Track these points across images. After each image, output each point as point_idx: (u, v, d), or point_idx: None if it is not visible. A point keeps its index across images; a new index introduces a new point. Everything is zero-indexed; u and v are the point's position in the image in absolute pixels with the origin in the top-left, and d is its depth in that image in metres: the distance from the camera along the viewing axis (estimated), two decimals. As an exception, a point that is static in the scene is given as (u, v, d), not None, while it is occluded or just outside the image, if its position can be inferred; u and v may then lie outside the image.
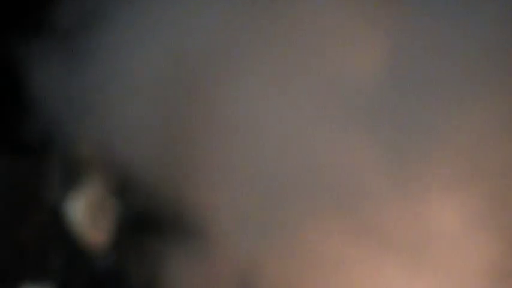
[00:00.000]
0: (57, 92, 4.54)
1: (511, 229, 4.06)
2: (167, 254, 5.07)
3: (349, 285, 4.36)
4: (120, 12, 4.20)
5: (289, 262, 4.50)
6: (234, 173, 4.40)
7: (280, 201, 4.38)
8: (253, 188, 4.38)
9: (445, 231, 4.25)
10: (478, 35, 3.85)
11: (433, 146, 4.20)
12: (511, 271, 3.86)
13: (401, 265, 4.39)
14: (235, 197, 4.43)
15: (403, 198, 4.31)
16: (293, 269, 4.45)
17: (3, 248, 6.88)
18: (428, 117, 4.09)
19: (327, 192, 4.26)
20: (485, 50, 3.79)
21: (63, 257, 5.43)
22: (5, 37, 4.56)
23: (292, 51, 4.29)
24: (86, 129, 4.42)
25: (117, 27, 4.26)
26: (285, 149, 4.33)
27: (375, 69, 4.28)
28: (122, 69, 4.33)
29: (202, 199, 4.50)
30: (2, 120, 6.31)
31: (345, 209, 4.29)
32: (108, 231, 4.74)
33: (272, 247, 4.40)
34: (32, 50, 4.45)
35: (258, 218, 4.45)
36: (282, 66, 4.28)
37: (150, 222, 5.66)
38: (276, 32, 4.23)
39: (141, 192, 4.68)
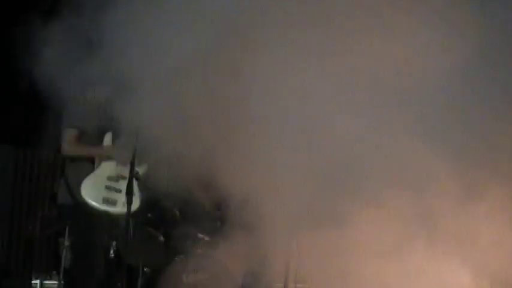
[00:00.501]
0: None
1: None
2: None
3: (397, 275, 4.32)
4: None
5: (334, 251, 4.46)
6: (280, 162, 4.36)
7: (325, 192, 4.32)
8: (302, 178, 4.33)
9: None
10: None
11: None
12: None
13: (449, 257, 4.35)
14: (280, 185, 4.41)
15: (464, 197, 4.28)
16: (339, 259, 4.40)
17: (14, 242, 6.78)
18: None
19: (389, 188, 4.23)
20: None
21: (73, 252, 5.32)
22: (26, 17, 4.46)
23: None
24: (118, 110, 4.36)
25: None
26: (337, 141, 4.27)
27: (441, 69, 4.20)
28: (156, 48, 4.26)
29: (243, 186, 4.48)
30: (10, 111, 6.19)
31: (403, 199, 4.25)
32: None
33: (315, 236, 4.36)
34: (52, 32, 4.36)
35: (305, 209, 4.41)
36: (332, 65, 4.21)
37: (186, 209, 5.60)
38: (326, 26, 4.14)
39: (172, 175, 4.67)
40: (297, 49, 4.20)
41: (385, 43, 4.10)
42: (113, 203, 4.93)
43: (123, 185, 4.78)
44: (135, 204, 4.86)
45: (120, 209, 4.89)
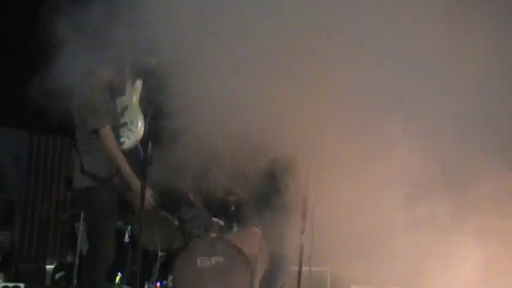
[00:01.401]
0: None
1: None
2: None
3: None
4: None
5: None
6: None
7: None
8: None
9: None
10: None
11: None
12: None
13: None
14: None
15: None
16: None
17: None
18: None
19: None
20: None
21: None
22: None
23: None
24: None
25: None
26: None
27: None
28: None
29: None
30: (25, 96, 6.19)
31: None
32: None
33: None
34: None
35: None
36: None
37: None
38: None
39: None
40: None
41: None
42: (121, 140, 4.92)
43: (127, 116, 4.87)
44: (141, 132, 4.87)
45: (127, 145, 4.89)
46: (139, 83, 4.96)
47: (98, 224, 4.94)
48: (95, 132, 4.84)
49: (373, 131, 4.49)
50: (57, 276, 6.83)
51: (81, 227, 5.96)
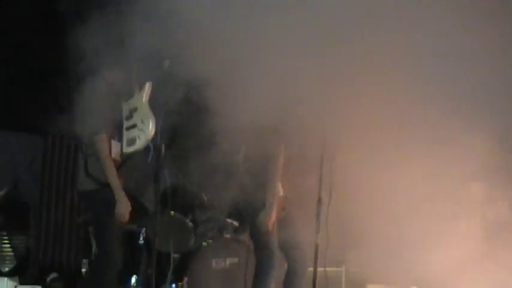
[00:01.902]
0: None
1: None
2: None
3: None
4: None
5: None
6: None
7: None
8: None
9: None
10: None
11: None
12: None
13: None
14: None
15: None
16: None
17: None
18: None
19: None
20: None
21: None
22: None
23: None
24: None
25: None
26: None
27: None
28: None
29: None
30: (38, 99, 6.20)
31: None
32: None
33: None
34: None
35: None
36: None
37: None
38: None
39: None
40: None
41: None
42: (133, 141, 4.83)
43: (136, 117, 4.81)
44: (152, 131, 4.83)
45: (138, 145, 4.85)
46: (148, 85, 4.94)
47: (104, 226, 4.90)
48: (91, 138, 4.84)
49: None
50: (49, 278, 6.82)
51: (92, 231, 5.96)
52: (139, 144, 4.83)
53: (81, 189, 4.98)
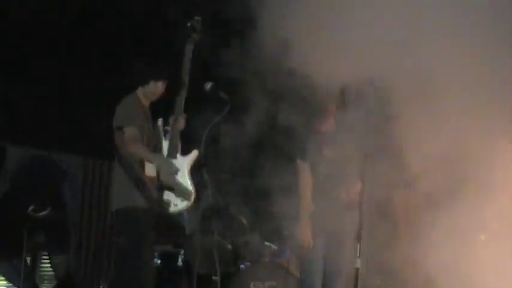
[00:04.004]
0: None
1: None
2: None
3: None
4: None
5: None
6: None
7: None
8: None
9: None
10: None
11: None
12: None
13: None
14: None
15: None
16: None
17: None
18: None
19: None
20: None
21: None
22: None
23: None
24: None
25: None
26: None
27: None
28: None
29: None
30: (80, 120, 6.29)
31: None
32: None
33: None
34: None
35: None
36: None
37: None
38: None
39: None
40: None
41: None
42: (168, 203, 4.73)
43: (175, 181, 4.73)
44: (184, 204, 4.81)
45: (173, 208, 4.79)
46: (194, 153, 4.87)
47: (132, 247, 4.71)
48: (120, 129, 4.77)
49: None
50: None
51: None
52: (173, 210, 4.81)
53: (114, 208, 4.86)
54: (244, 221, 6.14)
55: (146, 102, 4.94)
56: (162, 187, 4.68)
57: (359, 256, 4.50)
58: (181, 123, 4.88)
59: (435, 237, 4.71)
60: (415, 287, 5.03)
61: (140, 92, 4.92)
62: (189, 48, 4.87)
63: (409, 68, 4.32)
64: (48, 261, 6.75)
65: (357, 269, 4.49)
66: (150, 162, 4.71)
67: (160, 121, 4.89)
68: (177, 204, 4.73)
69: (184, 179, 4.75)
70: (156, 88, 4.89)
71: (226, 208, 5.84)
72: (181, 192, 4.70)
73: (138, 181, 4.72)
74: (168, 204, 4.72)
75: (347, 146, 4.63)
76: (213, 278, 5.85)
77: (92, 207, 7.25)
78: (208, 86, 4.82)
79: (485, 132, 4.46)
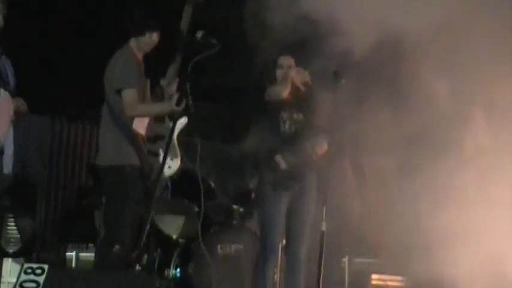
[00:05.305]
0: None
1: None
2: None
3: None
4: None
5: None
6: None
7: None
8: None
9: None
10: None
11: None
12: None
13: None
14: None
15: None
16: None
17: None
18: None
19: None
20: None
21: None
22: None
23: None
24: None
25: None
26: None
27: None
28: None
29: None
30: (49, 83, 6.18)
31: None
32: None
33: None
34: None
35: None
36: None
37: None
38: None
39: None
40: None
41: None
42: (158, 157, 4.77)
43: (160, 146, 4.76)
44: (176, 165, 4.83)
45: (168, 171, 4.86)
46: (184, 120, 4.90)
47: (118, 205, 4.71)
48: (119, 92, 4.68)
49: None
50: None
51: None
52: (167, 173, 4.89)
53: (97, 163, 4.83)
54: (212, 184, 6.13)
55: (140, 55, 4.86)
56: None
57: (324, 219, 4.52)
58: (173, 88, 4.86)
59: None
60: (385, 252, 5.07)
61: (133, 43, 4.83)
62: (187, 10, 4.85)
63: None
64: (14, 223, 6.69)
65: (323, 232, 4.51)
66: (157, 114, 4.75)
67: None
68: (170, 166, 4.84)
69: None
70: (151, 39, 4.82)
71: (193, 171, 5.82)
72: (173, 150, 4.82)
73: (132, 139, 4.69)
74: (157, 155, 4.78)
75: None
76: (180, 240, 5.85)
77: (59, 169, 7.17)
78: (199, 34, 4.74)
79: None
